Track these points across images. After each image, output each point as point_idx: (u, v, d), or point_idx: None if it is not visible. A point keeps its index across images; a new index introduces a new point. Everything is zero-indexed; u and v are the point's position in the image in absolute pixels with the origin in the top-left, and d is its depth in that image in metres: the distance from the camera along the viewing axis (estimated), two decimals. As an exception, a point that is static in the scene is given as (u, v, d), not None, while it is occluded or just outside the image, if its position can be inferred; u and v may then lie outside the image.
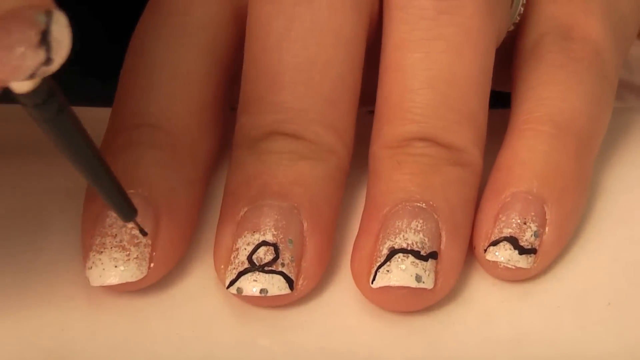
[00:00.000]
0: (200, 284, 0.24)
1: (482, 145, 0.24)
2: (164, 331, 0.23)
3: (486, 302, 0.23)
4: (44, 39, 0.15)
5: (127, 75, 0.25)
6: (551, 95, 0.25)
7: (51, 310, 0.23)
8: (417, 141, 0.23)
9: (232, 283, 0.22)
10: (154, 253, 0.23)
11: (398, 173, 0.23)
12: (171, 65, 0.25)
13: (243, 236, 0.23)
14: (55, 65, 0.16)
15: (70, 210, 0.25)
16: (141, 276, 0.22)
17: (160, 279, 0.23)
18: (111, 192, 0.20)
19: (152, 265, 0.23)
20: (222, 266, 0.23)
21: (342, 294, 0.24)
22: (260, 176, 0.23)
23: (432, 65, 0.23)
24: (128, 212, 0.21)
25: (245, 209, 0.23)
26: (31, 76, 0.16)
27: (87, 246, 0.23)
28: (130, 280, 0.22)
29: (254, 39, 0.24)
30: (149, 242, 0.23)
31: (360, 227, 0.24)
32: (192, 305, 0.23)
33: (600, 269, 0.24)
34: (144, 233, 0.22)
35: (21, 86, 0.16)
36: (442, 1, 0.23)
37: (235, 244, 0.23)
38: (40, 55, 0.15)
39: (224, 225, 0.23)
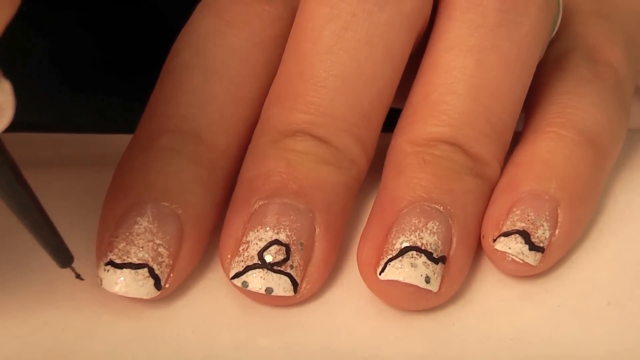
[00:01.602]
0: (200, 284, 0.24)
1: (502, 162, 0.25)
2: (163, 331, 0.23)
3: (486, 302, 0.24)
4: None
5: (179, 71, 0.25)
6: (577, 106, 0.25)
7: (51, 309, 0.23)
8: (445, 144, 0.23)
9: (237, 275, 0.22)
10: (171, 274, 0.23)
11: (421, 171, 0.23)
12: (228, 80, 0.24)
13: (256, 230, 0.23)
14: None
15: (71, 209, 0.25)
16: (154, 295, 0.23)
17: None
18: (49, 241, 0.21)
19: (166, 285, 0.23)
20: (229, 256, 0.23)
21: (343, 294, 0.24)
22: (280, 172, 0.23)
23: (481, 75, 0.23)
24: (65, 259, 0.21)
25: (261, 203, 0.23)
26: None
27: (106, 242, 0.23)
28: (144, 297, 0.22)
29: (304, 37, 0.24)
30: (170, 262, 0.23)
31: (371, 217, 0.24)
32: (192, 305, 0.23)
33: (600, 268, 0.24)
34: (79, 278, 0.22)
35: None
36: (504, 13, 0.23)
37: (247, 236, 0.23)
38: None
39: (236, 215, 0.23)
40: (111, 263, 0.22)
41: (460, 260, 0.23)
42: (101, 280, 0.22)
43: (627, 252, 0.25)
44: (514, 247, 0.23)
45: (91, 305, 0.23)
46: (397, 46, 0.24)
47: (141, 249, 0.22)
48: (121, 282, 0.22)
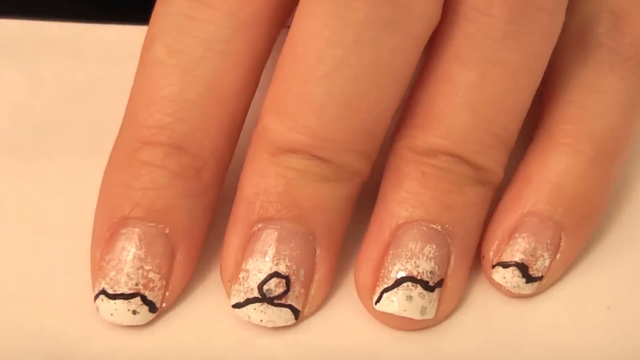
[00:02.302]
0: (199, 285, 0.24)
1: (507, 163, 0.24)
2: (163, 332, 0.23)
3: (486, 305, 0.24)
4: None
5: (155, 73, 0.23)
6: (594, 107, 0.24)
7: (50, 312, 0.23)
8: (446, 156, 0.22)
9: (238, 305, 0.22)
10: (166, 293, 0.23)
11: (420, 185, 0.22)
12: (207, 80, 0.23)
13: (255, 259, 0.22)
14: None
15: (71, 210, 0.25)
16: (152, 318, 0.22)
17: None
18: None
19: (163, 305, 0.23)
20: (229, 281, 0.23)
21: (342, 294, 0.24)
22: (279, 193, 0.22)
23: (485, 89, 0.22)
24: None
25: (260, 225, 0.22)
26: None
27: (97, 264, 0.23)
28: (140, 323, 0.22)
29: (304, 59, 0.22)
30: (163, 283, 0.23)
31: (369, 232, 0.23)
32: (191, 306, 0.23)
33: (600, 272, 0.24)
34: None
35: None
36: (512, 25, 0.22)
37: (246, 264, 0.22)
38: None
39: (235, 235, 0.23)
40: (104, 293, 0.22)
41: (458, 278, 0.23)
42: (97, 309, 0.22)
43: (627, 256, 0.25)
44: (510, 280, 0.23)
45: (90, 307, 0.23)
46: (404, 67, 0.22)
47: (131, 279, 0.22)
48: (116, 313, 0.22)
